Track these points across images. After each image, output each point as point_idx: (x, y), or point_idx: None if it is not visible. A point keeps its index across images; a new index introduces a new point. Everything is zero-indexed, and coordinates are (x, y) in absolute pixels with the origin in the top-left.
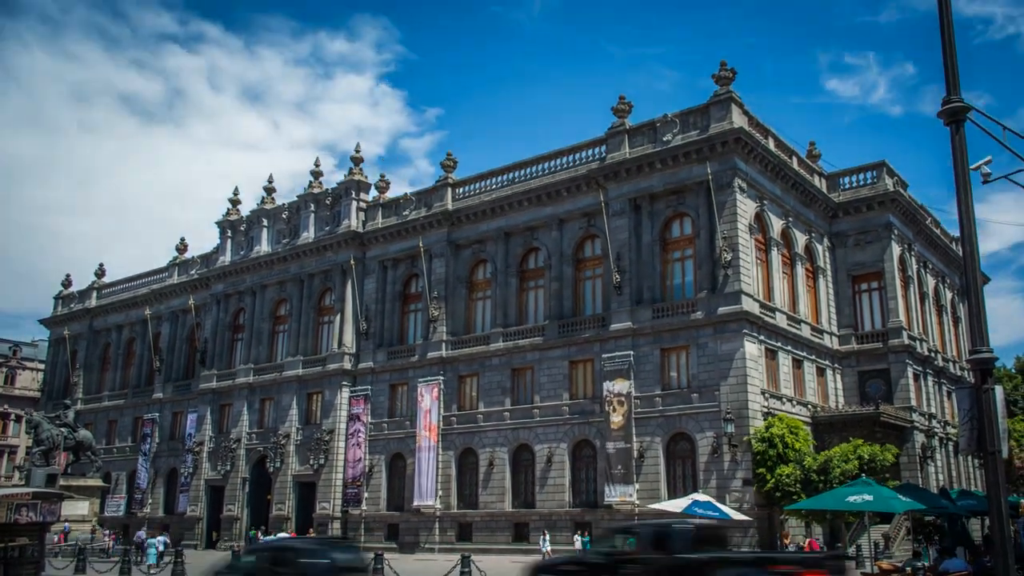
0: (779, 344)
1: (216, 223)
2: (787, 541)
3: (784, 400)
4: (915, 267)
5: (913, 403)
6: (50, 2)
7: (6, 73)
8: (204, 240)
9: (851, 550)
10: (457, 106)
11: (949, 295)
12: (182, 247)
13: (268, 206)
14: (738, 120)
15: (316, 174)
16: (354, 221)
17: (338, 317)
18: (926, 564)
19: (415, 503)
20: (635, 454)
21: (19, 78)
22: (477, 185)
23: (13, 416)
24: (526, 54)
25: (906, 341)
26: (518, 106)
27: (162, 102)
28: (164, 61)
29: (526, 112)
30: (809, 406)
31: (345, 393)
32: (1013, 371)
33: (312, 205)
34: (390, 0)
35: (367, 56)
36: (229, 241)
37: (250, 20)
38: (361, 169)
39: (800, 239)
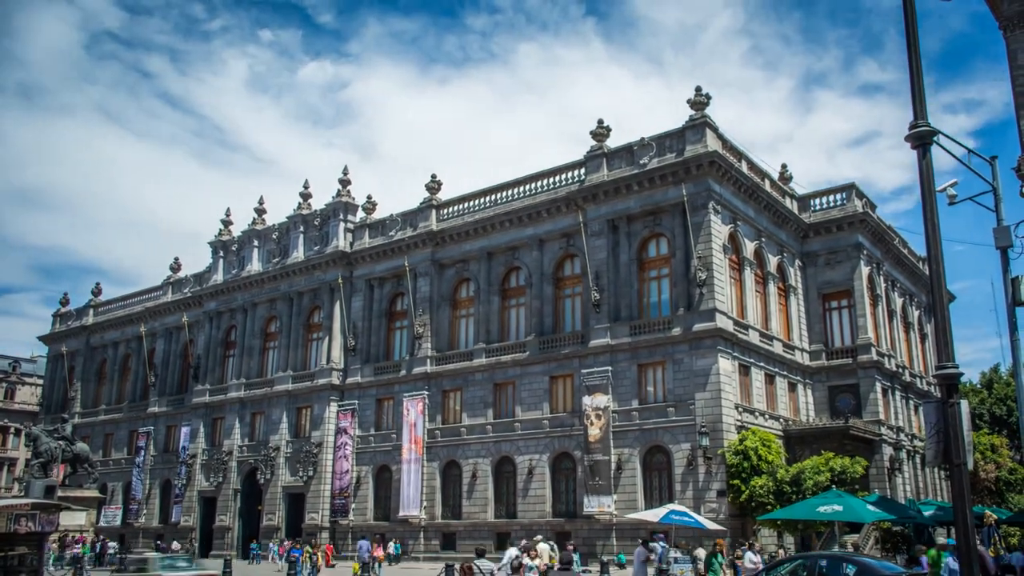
0: (752, 360)
1: (209, 243)
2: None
3: (757, 414)
4: (883, 286)
5: (882, 417)
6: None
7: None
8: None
9: None
10: None
11: (916, 313)
12: (176, 266)
13: (259, 227)
14: (712, 144)
15: (305, 196)
16: (342, 241)
17: (326, 334)
18: None
19: (401, 513)
20: (613, 466)
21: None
22: (461, 206)
23: (12, 429)
24: None
25: (875, 357)
26: None
27: None
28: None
29: None
30: (781, 420)
31: (333, 407)
32: (978, 386)
33: (301, 226)
34: None
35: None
36: (221, 261)
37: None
38: (349, 191)
39: (772, 259)
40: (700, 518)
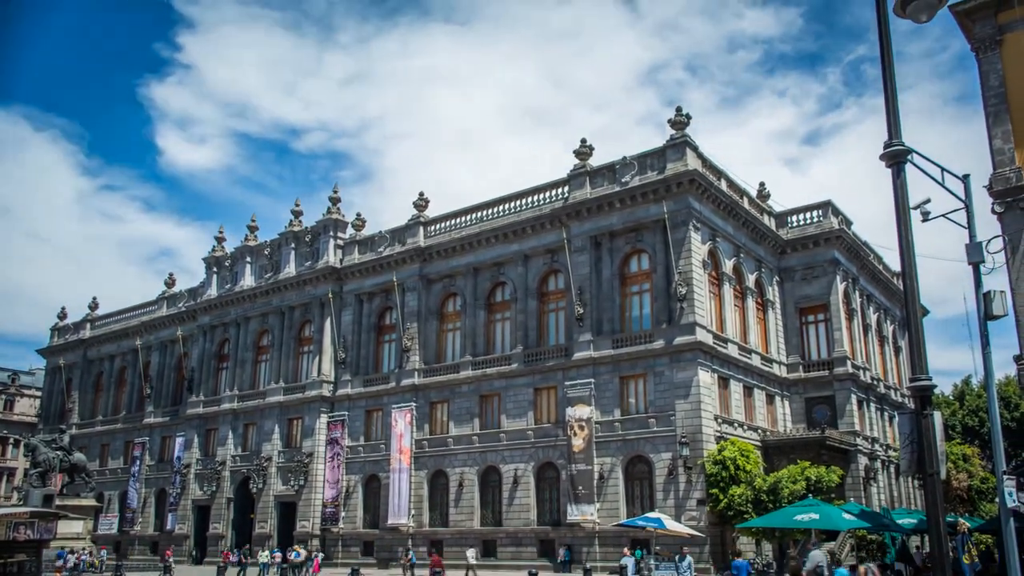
0: (731, 372)
1: (203, 259)
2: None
3: (736, 425)
4: (859, 300)
5: (857, 428)
6: None
7: None
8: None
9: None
10: None
11: (891, 327)
12: (171, 282)
13: (251, 243)
14: (692, 163)
15: (296, 213)
16: (332, 257)
17: (317, 347)
18: None
19: (390, 521)
20: (596, 475)
21: None
22: (448, 223)
23: (12, 440)
24: None
25: (850, 369)
26: None
27: None
28: None
29: None
30: (759, 431)
31: (323, 418)
32: (951, 398)
33: (292, 242)
34: None
35: None
36: (215, 276)
37: None
38: (339, 208)
39: (751, 274)
40: (678, 524)
